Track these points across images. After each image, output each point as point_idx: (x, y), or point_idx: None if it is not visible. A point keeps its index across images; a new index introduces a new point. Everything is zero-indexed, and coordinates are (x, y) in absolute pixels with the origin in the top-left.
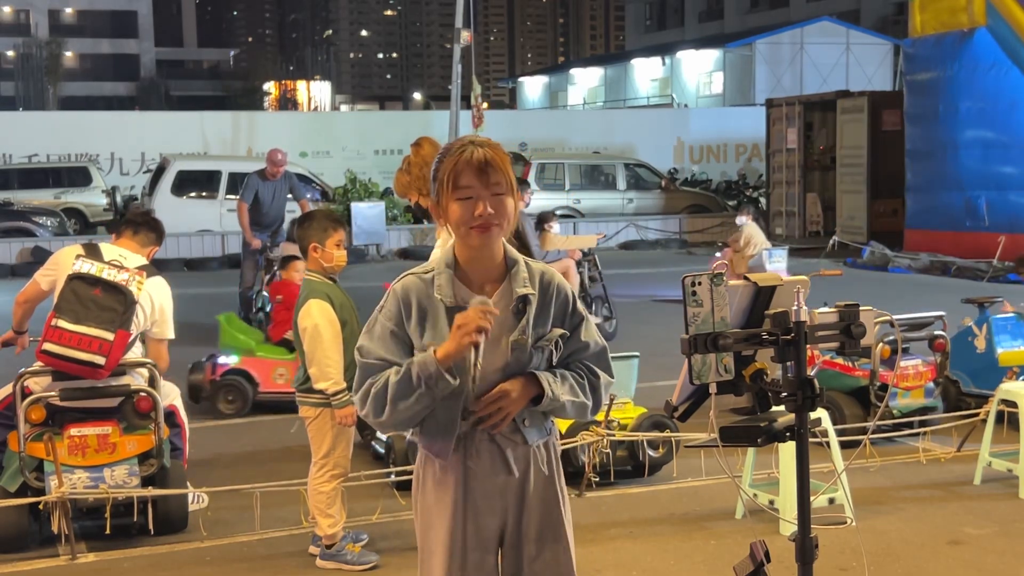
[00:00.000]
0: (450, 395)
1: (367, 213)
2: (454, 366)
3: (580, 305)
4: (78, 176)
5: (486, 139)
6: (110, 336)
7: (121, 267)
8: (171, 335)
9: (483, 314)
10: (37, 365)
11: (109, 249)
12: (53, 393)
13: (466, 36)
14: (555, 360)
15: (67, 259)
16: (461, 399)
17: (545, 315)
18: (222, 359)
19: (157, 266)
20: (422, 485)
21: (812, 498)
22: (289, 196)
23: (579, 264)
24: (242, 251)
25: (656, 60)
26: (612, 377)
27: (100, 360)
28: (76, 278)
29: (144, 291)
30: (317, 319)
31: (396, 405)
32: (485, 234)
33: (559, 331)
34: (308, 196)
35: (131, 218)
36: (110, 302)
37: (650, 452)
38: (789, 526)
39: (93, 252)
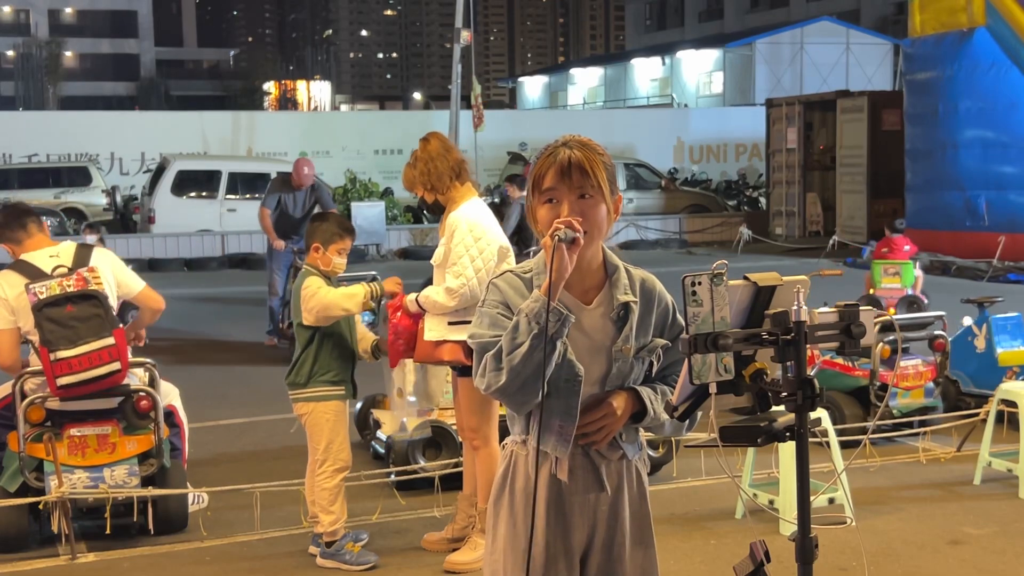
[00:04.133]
0: (569, 377)
1: (367, 213)
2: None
3: (679, 316)
4: (78, 176)
5: (585, 139)
6: (111, 340)
7: (68, 271)
8: (141, 283)
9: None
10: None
11: (38, 258)
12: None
13: (466, 36)
14: (654, 371)
15: (17, 293)
16: (579, 386)
17: (647, 324)
18: None
19: (156, 266)
20: (509, 495)
21: (812, 498)
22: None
23: None
24: (267, 257)
25: (656, 60)
26: None
27: (117, 365)
28: (44, 306)
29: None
30: (313, 284)
31: (512, 356)
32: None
33: (661, 341)
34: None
35: (21, 212)
36: (89, 310)
37: (650, 452)
38: (789, 526)
39: (30, 271)
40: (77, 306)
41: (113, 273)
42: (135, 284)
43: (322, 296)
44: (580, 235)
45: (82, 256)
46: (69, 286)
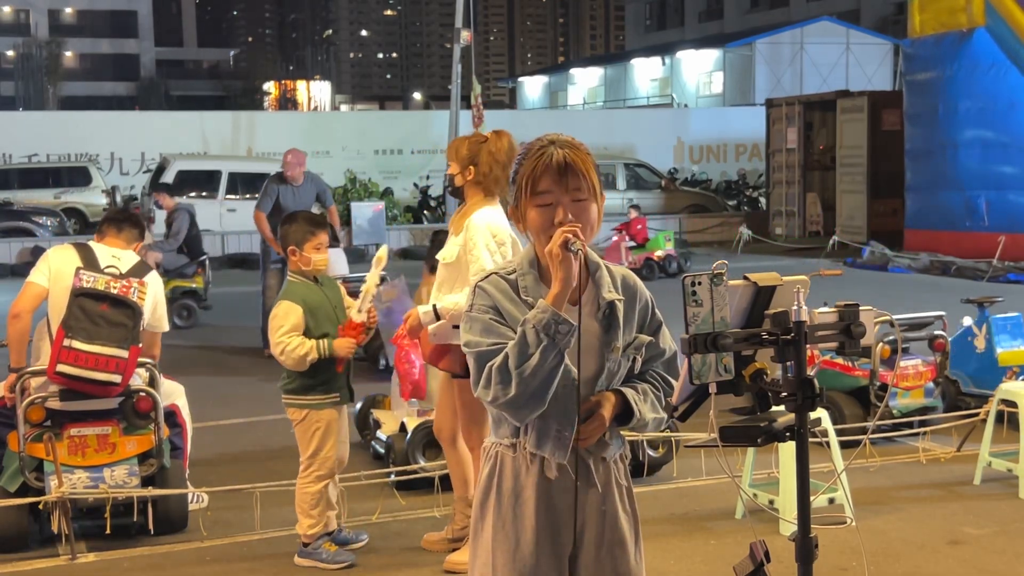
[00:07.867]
0: (567, 383)
1: (367, 213)
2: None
3: (658, 311)
4: (78, 176)
5: (568, 138)
6: (125, 354)
7: (120, 275)
8: (167, 327)
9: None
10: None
11: (101, 250)
12: (53, 392)
13: (466, 36)
14: (636, 367)
15: (64, 266)
16: (575, 390)
17: (631, 320)
18: None
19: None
20: (496, 497)
21: (812, 498)
22: (316, 204)
23: None
24: (261, 261)
25: (656, 60)
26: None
27: (117, 379)
28: (82, 294)
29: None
30: (280, 311)
31: (522, 369)
32: (575, 257)
33: (646, 338)
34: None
35: (112, 216)
36: (119, 317)
37: (650, 452)
38: (789, 526)
39: (88, 257)
40: (112, 308)
41: (154, 301)
42: (161, 324)
43: (279, 339)
44: (583, 242)
45: (139, 270)
46: (115, 287)
